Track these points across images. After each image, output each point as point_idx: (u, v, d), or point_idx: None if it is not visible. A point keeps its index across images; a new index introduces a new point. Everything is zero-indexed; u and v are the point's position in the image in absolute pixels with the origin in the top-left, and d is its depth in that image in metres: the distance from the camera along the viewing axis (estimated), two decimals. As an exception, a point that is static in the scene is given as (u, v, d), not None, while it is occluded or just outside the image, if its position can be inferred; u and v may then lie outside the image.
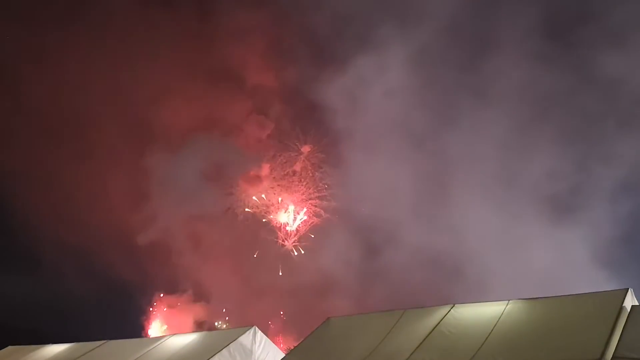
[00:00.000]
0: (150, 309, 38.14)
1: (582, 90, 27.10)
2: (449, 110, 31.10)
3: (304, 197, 38.60)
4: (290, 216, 38.65)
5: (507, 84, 28.96)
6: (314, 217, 38.31)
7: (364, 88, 32.06)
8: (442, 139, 30.87)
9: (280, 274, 37.52)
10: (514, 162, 29.07)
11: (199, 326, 36.10)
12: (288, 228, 38.45)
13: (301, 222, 38.40)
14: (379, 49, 31.36)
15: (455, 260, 28.29)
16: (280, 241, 38.28)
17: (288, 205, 38.73)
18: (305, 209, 38.47)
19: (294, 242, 38.07)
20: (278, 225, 38.78)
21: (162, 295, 38.34)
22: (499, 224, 27.91)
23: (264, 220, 38.47)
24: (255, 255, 37.88)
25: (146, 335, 35.46)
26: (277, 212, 38.86)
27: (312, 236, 37.73)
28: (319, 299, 33.06)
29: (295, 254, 37.93)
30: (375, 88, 31.94)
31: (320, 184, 38.50)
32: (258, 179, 39.19)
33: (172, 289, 38.14)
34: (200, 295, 37.59)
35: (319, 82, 32.65)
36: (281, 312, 35.95)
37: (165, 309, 38.07)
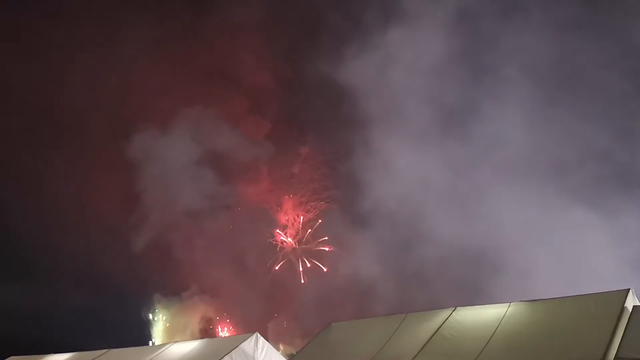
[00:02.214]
0: (151, 314, 38.06)
1: (617, 62, 25.28)
2: (477, 91, 28.88)
3: (303, 199, 38.53)
4: (290, 218, 38.57)
5: (536, 58, 27.20)
6: (317, 217, 38.15)
7: (383, 69, 30.04)
8: (471, 123, 28.84)
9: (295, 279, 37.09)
10: (547, 144, 27.02)
11: (206, 322, 35.93)
12: (287, 238, 38.30)
13: (304, 222, 38.27)
14: (403, 23, 29.55)
15: (493, 256, 26.05)
16: (280, 243, 38.22)
17: (288, 208, 38.65)
18: (314, 211, 38.29)
19: (298, 242, 37.98)
20: (280, 227, 38.70)
21: (162, 298, 38.19)
22: (539, 214, 25.72)
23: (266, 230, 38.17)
24: (255, 259, 37.71)
25: (150, 339, 35.48)
26: (278, 215, 38.80)
27: (326, 238, 37.19)
28: (323, 302, 32.81)
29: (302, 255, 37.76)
30: (397, 68, 29.86)
31: (323, 183, 38.28)
32: (257, 181, 39.10)
33: (173, 291, 37.98)
34: (201, 298, 37.43)
35: (330, 68, 31.44)
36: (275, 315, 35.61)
37: (165, 316, 37.94)
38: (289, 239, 38.42)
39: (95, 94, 35.96)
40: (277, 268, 37.72)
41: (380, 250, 31.60)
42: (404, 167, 29.42)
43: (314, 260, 37.37)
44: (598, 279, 20.67)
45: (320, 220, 38.03)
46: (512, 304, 9.85)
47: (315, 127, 38.33)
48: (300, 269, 37.51)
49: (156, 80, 36.08)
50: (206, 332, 36.69)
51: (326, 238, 36.87)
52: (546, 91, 26.92)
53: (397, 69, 29.86)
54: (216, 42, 37.29)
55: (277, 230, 38.63)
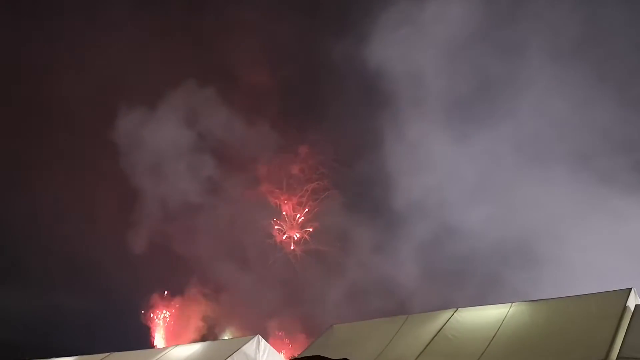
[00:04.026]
0: (152, 315, 37.98)
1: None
2: (502, 73, 26.61)
3: (303, 199, 38.46)
4: (290, 218, 38.51)
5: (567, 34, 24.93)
6: (316, 218, 37.97)
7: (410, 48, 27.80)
8: (495, 108, 26.71)
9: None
10: (577, 129, 24.64)
11: (208, 321, 35.78)
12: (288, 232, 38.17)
13: (304, 222, 38.12)
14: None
15: (528, 248, 24.17)
16: (280, 243, 38.11)
17: (288, 208, 38.58)
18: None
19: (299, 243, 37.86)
20: (280, 227, 38.57)
21: (162, 298, 38.04)
22: (573, 202, 23.81)
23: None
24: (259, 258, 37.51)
25: (151, 341, 35.44)
26: (277, 214, 38.71)
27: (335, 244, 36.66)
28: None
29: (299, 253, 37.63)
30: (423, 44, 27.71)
31: (322, 183, 38.04)
32: (256, 180, 38.93)
33: (173, 291, 37.76)
34: (203, 297, 37.25)
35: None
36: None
37: (166, 316, 37.83)
38: (288, 236, 38.29)
39: (83, 89, 34.63)
40: (277, 267, 37.64)
41: (392, 246, 29.86)
42: (426, 156, 27.90)
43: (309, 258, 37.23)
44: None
45: (318, 222, 37.84)
46: (513, 304, 9.87)
47: (316, 125, 37.45)
48: (300, 268, 37.40)
49: (148, 77, 35.26)
50: (209, 330, 36.60)
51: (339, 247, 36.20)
52: (575, 72, 24.83)
53: (420, 50, 27.98)
54: (213, 37, 36.44)
55: (276, 229, 38.54)
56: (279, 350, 13.57)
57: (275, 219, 38.48)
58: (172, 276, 36.75)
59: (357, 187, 34.56)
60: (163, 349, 14.68)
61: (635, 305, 8.72)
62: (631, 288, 8.87)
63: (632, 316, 8.46)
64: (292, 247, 38.06)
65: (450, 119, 27.92)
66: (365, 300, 30.10)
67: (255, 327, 30.20)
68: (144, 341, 34.93)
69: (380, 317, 12.75)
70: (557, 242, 23.93)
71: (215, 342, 14.87)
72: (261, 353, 12.33)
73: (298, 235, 38.06)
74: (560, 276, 22.66)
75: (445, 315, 10.45)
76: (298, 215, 38.24)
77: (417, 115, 28.71)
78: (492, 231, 25.03)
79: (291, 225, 38.44)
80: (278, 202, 38.69)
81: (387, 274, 29.56)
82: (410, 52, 28.22)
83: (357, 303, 30.38)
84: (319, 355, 6.55)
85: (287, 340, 33.08)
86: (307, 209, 38.21)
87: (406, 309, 25.66)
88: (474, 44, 27.39)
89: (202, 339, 32.19)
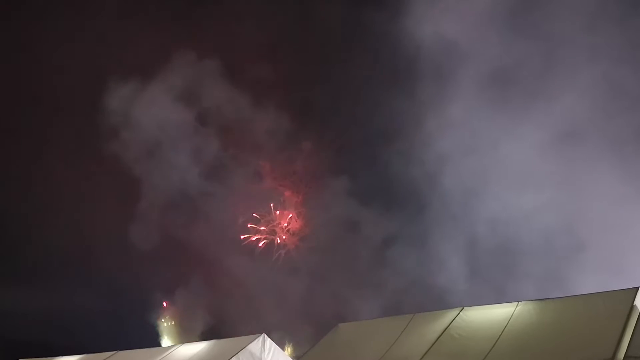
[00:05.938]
0: (158, 314, 38.11)
1: None
2: (542, 51, 25.33)
3: (307, 196, 38.38)
4: (294, 215, 38.48)
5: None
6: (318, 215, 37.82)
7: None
8: (533, 87, 25.31)
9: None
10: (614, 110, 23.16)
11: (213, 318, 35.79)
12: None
13: (306, 219, 38.05)
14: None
15: (576, 239, 23.05)
16: (282, 240, 38.04)
17: (290, 205, 38.52)
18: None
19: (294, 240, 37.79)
20: (281, 225, 38.50)
21: (167, 296, 38.11)
22: (620, 186, 22.30)
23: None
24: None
25: (157, 339, 35.57)
26: (280, 212, 38.68)
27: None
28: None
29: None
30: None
31: (326, 181, 37.79)
32: (259, 176, 38.82)
33: (178, 289, 37.75)
34: (207, 295, 37.28)
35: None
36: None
37: (171, 315, 37.93)
38: (293, 231, 38.22)
39: (86, 85, 34.03)
40: (283, 263, 37.62)
41: (416, 239, 28.69)
42: (468, 140, 26.37)
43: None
44: None
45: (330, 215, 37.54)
46: (520, 303, 9.85)
47: (320, 120, 36.65)
48: (308, 264, 37.31)
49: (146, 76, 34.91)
50: (215, 327, 36.62)
51: None
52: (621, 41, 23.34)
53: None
54: (214, 29, 35.89)
55: (278, 226, 38.49)
56: (284, 349, 13.57)
57: (277, 217, 38.51)
58: (177, 275, 36.77)
59: (384, 174, 32.04)
60: (169, 347, 14.73)
61: (643, 304, 8.69)
62: (638, 287, 8.83)
63: (639, 316, 8.42)
64: (297, 243, 38.07)
65: (490, 99, 26.08)
66: (382, 299, 29.52)
67: (262, 325, 30.19)
68: (150, 339, 35.02)
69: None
70: (605, 229, 22.69)
71: (221, 340, 14.88)
72: (267, 352, 12.31)
73: (302, 232, 38.06)
74: (609, 264, 21.61)
75: (451, 314, 10.45)
76: (299, 217, 38.26)
77: (455, 96, 26.96)
78: (539, 219, 23.96)
79: (294, 221, 38.43)
80: (281, 201, 38.70)
81: (419, 271, 28.26)
82: (451, 25, 26.37)
83: (373, 301, 30.00)
84: None
85: (293, 339, 33.09)
86: (310, 207, 38.16)
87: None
88: (519, 14, 25.63)
89: (208, 336, 32.23)
